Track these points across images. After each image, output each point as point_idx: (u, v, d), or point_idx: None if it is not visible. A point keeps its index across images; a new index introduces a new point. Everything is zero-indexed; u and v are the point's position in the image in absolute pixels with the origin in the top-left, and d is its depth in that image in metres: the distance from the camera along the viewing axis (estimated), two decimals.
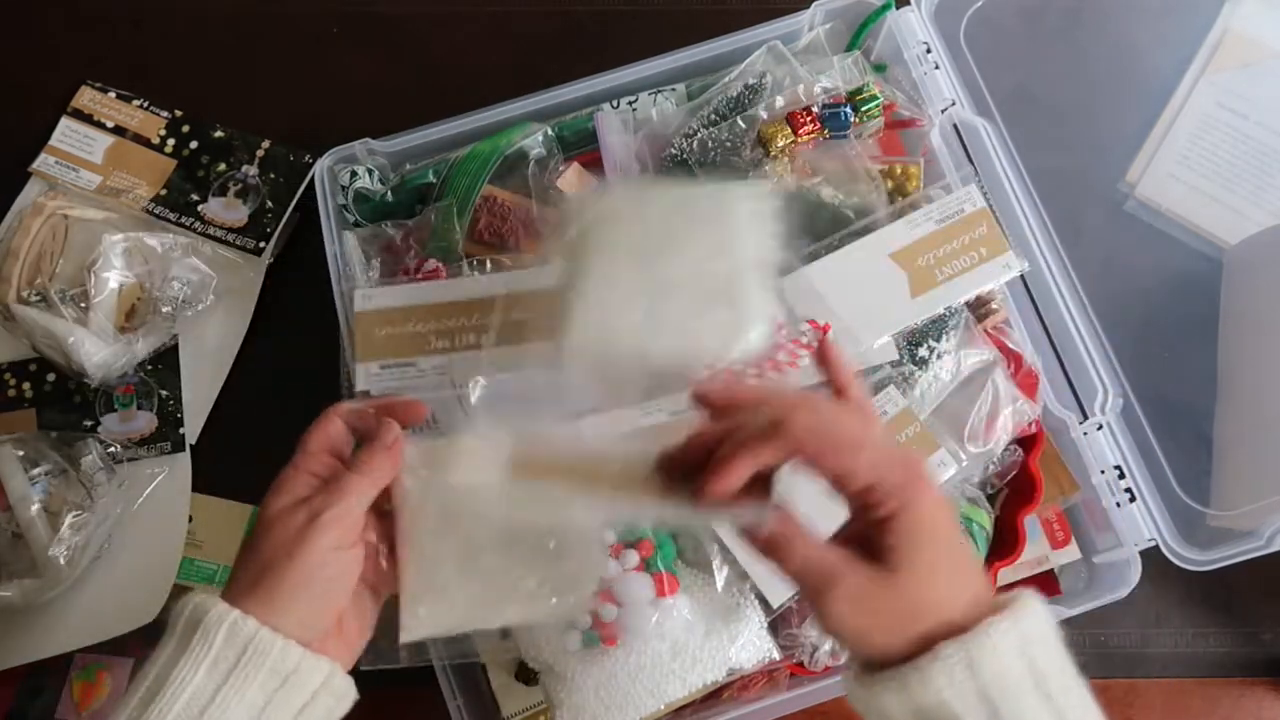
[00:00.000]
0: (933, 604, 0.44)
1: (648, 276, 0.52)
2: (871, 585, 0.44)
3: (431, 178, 0.79)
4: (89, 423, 0.82)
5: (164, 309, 0.83)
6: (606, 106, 0.81)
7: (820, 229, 0.73)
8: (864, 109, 0.75)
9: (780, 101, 0.76)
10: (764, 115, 0.75)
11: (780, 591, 0.67)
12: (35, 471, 0.77)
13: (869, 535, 0.45)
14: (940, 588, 0.44)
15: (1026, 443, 0.74)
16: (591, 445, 0.52)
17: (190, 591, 0.48)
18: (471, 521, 0.52)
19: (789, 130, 0.74)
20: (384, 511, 0.53)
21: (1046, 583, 0.78)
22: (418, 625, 0.52)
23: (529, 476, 0.50)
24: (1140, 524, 0.73)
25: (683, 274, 0.52)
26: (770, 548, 0.46)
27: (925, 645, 0.43)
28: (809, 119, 0.74)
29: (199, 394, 0.84)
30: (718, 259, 0.53)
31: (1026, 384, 0.73)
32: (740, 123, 0.75)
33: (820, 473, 0.45)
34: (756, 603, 0.68)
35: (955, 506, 0.47)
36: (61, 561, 0.75)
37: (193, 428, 0.83)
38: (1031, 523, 0.76)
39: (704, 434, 0.48)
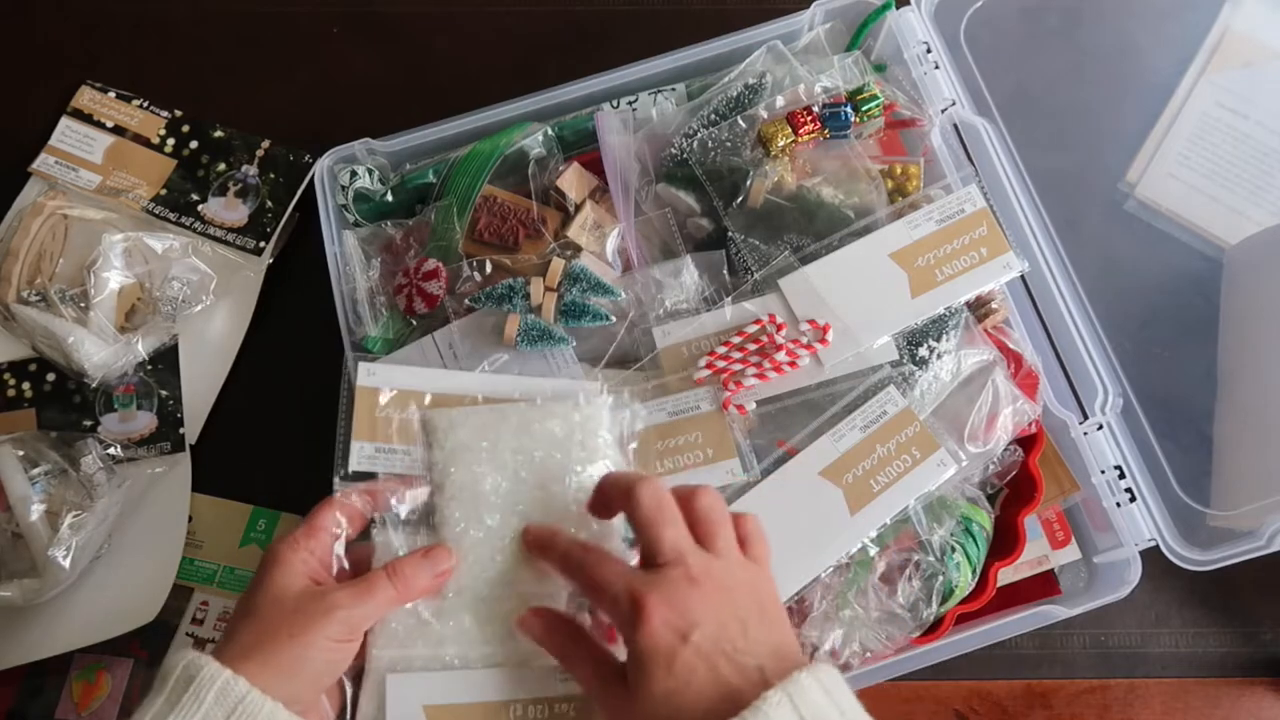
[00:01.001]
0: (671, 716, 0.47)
1: (508, 514, 0.58)
2: (622, 704, 0.49)
3: (431, 178, 0.79)
4: (89, 423, 0.82)
5: (164, 309, 0.83)
6: (606, 106, 0.81)
7: (820, 229, 0.73)
8: (864, 109, 0.75)
9: (780, 101, 0.76)
10: (764, 115, 0.75)
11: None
12: (35, 471, 0.77)
13: None
14: (675, 704, 0.47)
15: (1026, 443, 0.74)
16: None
17: (182, 649, 0.49)
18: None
19: (789, 130, 0.73)
20: None
21: (1046, 583, 0.78)
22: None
23: None
24: (1140, 524, 0.73)
25: (537, 504, 0.59)
26: (565, 659, 0.54)
27: None
28: (809, 119, 0.74)
29: (199, 394, 0.84)
30: (565, 482, 0.59)
31: (1026, 384, 0.73)
32: (740, 123, 0.75)
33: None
34: None
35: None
36: (61, 561, 0.75)
37: (193, 428, 0.83)
38: (1031, 523, 0.76)
39: None
